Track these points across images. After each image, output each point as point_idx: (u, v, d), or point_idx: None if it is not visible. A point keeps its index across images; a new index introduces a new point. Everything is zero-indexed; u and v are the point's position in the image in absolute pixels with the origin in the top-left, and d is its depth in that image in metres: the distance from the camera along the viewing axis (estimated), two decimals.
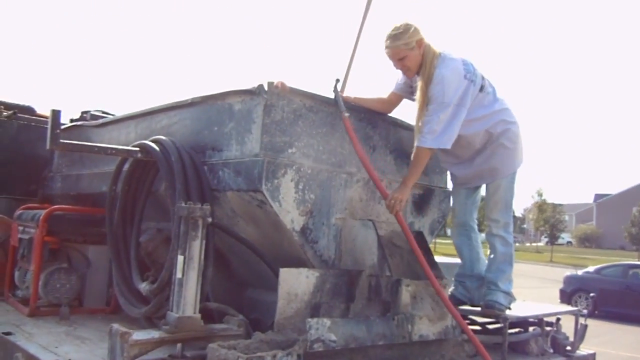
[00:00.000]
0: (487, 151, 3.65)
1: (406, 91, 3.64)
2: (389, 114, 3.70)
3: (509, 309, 3.71)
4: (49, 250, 4.15)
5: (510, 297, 3.75)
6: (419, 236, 3.59)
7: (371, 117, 3.57)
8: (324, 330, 2.62)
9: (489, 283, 3.73)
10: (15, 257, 4.35)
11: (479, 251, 3.94)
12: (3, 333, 3.30)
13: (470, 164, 3.72)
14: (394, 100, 3.68)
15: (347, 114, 3.24)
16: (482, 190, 3.92)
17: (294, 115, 3.13)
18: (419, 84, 3.42)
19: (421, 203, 3.89)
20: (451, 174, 3.95)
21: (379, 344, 2.85)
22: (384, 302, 3.11)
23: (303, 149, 3.15)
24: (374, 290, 3.15)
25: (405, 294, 3.07)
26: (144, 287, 3.32)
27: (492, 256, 3.80)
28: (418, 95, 3.42)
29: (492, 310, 3.61)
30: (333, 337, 2.64)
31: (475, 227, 3.97)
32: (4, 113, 5.72)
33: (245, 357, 2.33)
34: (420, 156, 3.37)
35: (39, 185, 5.45)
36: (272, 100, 3.02)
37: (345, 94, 3.43)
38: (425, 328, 3.11)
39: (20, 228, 4.26)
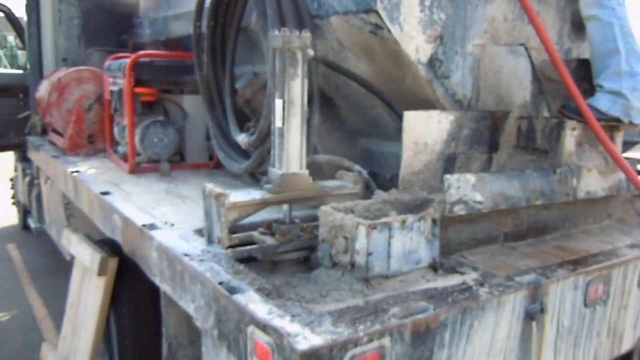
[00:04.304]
0: None
1: None
2: None
3: (618, 118, 2.47)
4: (142, 103, 3.80)
5: (623, 99, 2.49)
6: (582, 65, 2.74)
7: None
8: (468, 188, 2.02)
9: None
10: (110, 111, 4.07)
11: None
12: (101, 193, 3.05)
13: None
14: None
15: None
16: None
17: None
18: None
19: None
20: None
21: (535, 203, 2.22)
22: (538, 152, 2.42)
23: None
24: (524, 137, 2.45)
25: (569, 141, 2.35)
26: (242, 139, 2.86)
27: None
28: None
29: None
30: (478, 197, 2.04)
31: None
32: None
33: (367, 224, 1.81)
34: None
35: (129, 34, 5.05)
36: None
37: None
38: (593, 183, 2.42)
39: (110, 80, 3.92)
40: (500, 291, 1.79)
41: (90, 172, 3.70)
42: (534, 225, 2.36)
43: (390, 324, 1.54)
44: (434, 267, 1.98)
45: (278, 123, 2.15)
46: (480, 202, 2.03)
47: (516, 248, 2.24)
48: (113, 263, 3.30)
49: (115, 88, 3.79)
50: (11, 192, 7.65)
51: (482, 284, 1.82)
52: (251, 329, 1.58)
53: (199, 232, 2.29)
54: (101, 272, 3.27)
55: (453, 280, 1.84)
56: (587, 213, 2.57)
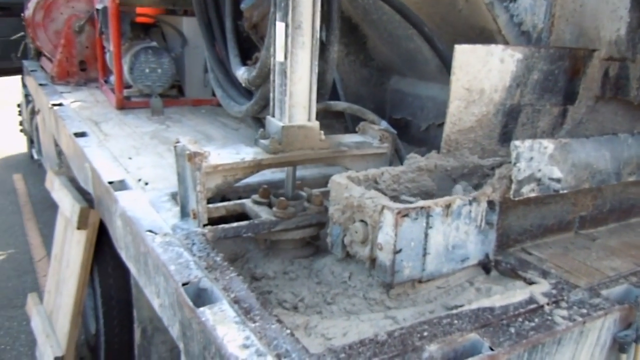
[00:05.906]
0: None
1: None
2: None
3: None
4: (134, 25, 3.22)
5: None
6: None
7: None
8: (543, 160, 1.42)
9: None
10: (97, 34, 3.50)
11: None
12: (75, 134, 2.54)
13: None
14: None
15: None
16: None
17: None
18: None
19: None
20: None
21: (628, 180, 1.63)
22: (630, 106, 1.80)
23: None
24: (613, 85, 1.82)
25: None
26: (241, 74, 2.28)
27: None
28: None
29: None
30: (556, 174, 1.44)
31: None
32: None
33: (396, 210, 1.26)
34: None
35: None
36: None
37: None
38: None
39: None
40: (583, 315, 1.24)
41: (74, 105, 3.18)
42: (618, 207, 1.77)
43: None
44: (486, 267, 1.44)
45: (279, 56, 1.57)
46: (558, 180, 1.44)
47: (596, 238, 1.66)
48: (95, 215, 2.84)
49: (100, 6, 3.19)
50: (19, 118, 7.27)
51: (557, 302, 1.27)
52: None
53: (176, 196, 1.77)
54: (81, 225, 2.80)
55: (515, 294, 1.29)
56: None
